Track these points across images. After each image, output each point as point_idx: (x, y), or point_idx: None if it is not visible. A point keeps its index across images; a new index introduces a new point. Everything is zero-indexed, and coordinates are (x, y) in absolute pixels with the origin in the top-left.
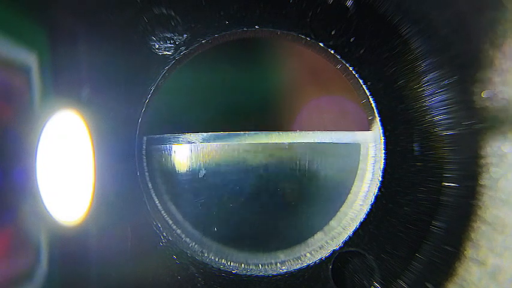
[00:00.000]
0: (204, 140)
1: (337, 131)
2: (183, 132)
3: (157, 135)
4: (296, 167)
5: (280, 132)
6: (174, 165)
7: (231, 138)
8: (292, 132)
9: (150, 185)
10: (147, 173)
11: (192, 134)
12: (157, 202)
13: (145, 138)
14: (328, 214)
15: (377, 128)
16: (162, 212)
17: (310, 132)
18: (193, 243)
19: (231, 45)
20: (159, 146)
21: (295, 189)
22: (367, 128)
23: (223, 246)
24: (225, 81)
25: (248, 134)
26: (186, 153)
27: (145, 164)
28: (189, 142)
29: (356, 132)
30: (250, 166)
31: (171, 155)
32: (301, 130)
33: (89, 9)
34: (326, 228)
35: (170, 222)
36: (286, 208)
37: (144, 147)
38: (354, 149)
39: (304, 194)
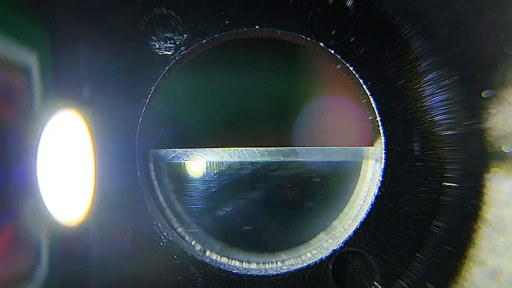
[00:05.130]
0: (206, 158)
1: (339, 146)
2: (187, 144)
3: (164, 150)
4: (299, 169)
5: (284, 148)
6: (181, 167)
7: (235, 155)
8: (296, 148)
9: (156, 183)
10: (152, 172)
11: (197, 150)
12: (162, 201)
13: (151, 152)
14: (330, 215)
15: (379, 144)
16: (164, 211)
17: (313, 148)
18: (194, 243)
19: (231, 45)
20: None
21: (298, 192)
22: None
23: (224, 246)
24: (225, 82)
25: (251, 151)
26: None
27: (151, 164)
28: (192, 158)
29: (358, 148)
30: (253, 169)
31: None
32: (303, 139)
33: (89, 10)
34: (327, 228)
35: (171, 222)
36: (288, 210)
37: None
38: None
39: (306, 196)
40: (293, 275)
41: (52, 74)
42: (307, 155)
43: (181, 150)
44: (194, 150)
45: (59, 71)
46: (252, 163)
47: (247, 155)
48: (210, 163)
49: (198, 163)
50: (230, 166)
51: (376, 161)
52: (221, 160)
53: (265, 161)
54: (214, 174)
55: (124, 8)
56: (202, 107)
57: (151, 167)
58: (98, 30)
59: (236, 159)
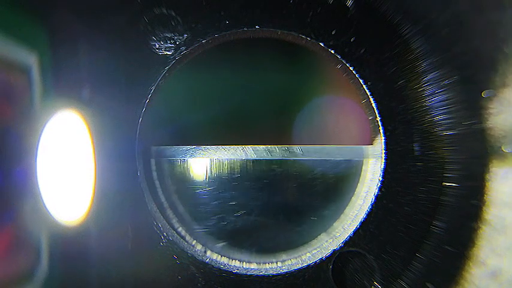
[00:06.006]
0: (208, 155)
1: (340, 145)
2: (188, 142)
3: (165, 147)
4: (300, 170)
5: (285, 147)
6: (181, 166)
7: (237, 153)
8: (297, 146)
9: (155, 183)
10: (153, 172)
11: (199, 148)
12: (162, 201)
13: (154, 148)
14: (331, 216)
15: (379, 142)
16: (164, 211)
17: (314, 146)
18: (194, 243)
19: (231, 45)
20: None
21: (299, 193)
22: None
23: (224, 246)
24: (225, 83)
25: (254, 149)
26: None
27: (152, 163)
28: (194, 156)
29: (358, 146)
30: (255, 170)
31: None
32: (303, 138)
33: (89, 9)
34: (328, 229)
35: (171, 222)
36: (289, 211)
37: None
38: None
39: (307, 197)
40: (293, 275)
41: (52, 74)
42: (308, 153)
43: (183, 147)
44: (196, 148)
45: (59, 71)
46: (254, 161)
47: (249, 153)
48: (210, 163)
49: (198, 163)
50: (231, 165)
51: (376, 160)
52: (223, 158)
53: (267, 159)
54: (215, 175)
55: (124, 8)
56: (202, 108)
57: (152, 166)
58: (98, 30)
59: (238, 156)
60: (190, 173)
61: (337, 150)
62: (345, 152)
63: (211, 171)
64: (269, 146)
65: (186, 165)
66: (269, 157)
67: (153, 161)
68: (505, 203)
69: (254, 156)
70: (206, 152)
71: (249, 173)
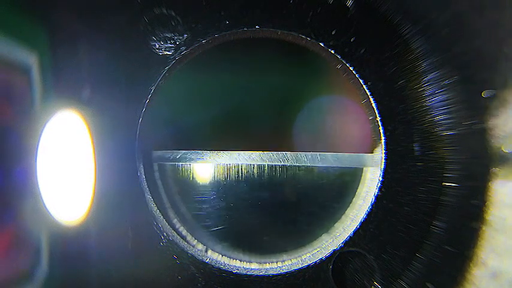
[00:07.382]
0: (211, 160)
1: (340, 152)
2: (187, 145)
3: (166, 152)
4: (302, 172)
5: (286, 154)
6: (180, 168)
7: (240, 159)
8: (298, 153)
9: (155, 183)
10: (152, 172)
11: (201, 153)
12: (162, 201)
13: (154, 153)
14: (332, 217)
15: (379, 150)
16: (164, 211)
17: (315, 153)
18: (194, 243)
19: (231, 45)
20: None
21: (300, 195)
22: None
23: (224, 246)
24: (225, 83)
25: (257, 155)
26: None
27: (151, 164)
28: (196, 161)
29: (359, 154)
30: (256, 173)
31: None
32: (304, 142)
33: (89, 10)
34: (329, 230)
35: (171, 222)
36: (290, 212)
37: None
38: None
39: (309, 199)
40: (293, 275)
41: (52, 74)
42: (310, 160)
43: (184, 152)
44: (198, 152)
45: (59, 71)
46: (257, 166)
47: (252, 159)
48: (213, 165)
49: (200, 165)
50: (234, 167)
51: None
52: (225, 163)
53: (269, 164)
54: (218, 176)
55: (124, 8)
56: (202, 108)
57: (151, 167)
58: (98, 30)
59: (241, 162)
60: (192, 174)
61: (338, 158)
62: (346, 160)
63: (213, 173)
64: (270, 152)
65: (186, 166)
66: (270, 163)
67: (152, 164)
68: (505, 203)
69: (256, 162)
70: (208, 157)
71: (250, 173)
